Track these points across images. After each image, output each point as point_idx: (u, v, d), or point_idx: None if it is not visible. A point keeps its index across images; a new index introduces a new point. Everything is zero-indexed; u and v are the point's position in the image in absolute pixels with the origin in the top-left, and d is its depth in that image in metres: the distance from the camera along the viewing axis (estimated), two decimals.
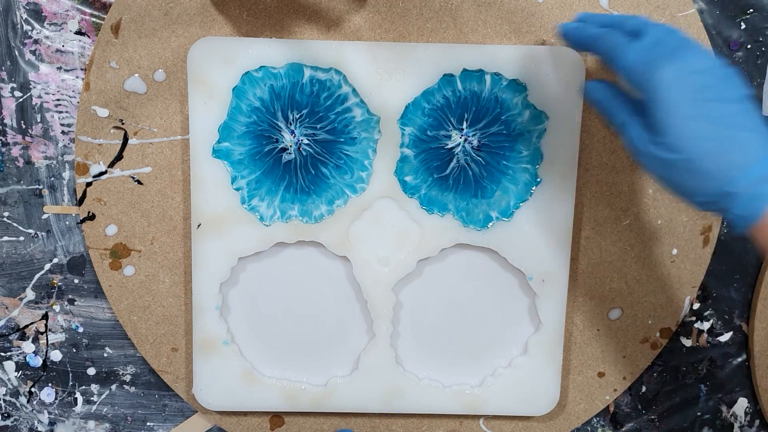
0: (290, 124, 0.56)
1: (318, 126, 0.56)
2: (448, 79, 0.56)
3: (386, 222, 0.58)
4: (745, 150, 0.41)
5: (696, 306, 0.62)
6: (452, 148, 0.57)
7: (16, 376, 0.63)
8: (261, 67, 0.55)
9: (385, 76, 0.55)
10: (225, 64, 0.55)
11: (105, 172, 0.59)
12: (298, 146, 0.56)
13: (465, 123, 0.56)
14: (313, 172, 0.57)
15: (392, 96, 0.56)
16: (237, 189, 0.57)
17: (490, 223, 0.57)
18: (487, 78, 0.55)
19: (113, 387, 0.63)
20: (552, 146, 0.56)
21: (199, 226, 0.57)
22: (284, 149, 0.56)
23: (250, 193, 0.57)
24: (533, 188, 0.57)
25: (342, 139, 0.56)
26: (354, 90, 0.56)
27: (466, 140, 0.56)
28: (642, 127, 0.44)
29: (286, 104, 0.56)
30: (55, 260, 0.61)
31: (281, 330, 0.60)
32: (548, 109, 0.56)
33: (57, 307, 0.62)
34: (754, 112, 0.42)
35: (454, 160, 0.57)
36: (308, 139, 0.56)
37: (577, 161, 0.57)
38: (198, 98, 0.55)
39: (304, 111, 0.56)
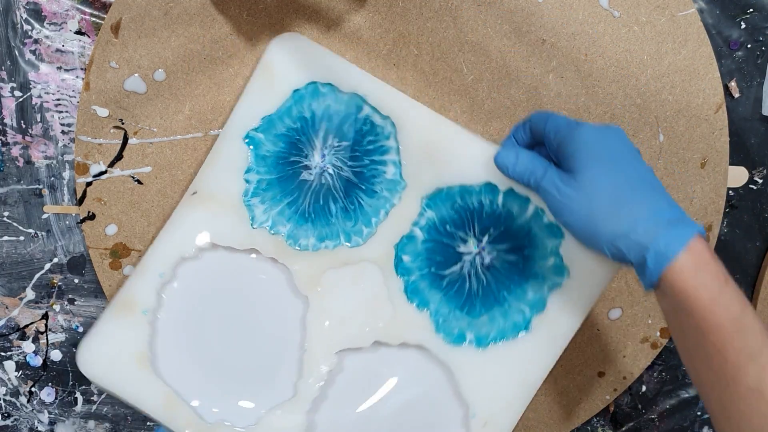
0: (325, 148, 0.55)
1: (348, 163, 0.55)
2: (491, 187, 0.54)
3: (363, 287, 0.55)
4: (648, 200, 0.45)
5: None
6: (462, 253, 0.55)
7: (16, 376, 0.63)
8: (328, 84, 0.55)
9: (433, 153, 0.54)
10: (299, 66, 0.54)
11: (105, 172, 0.59)
12: (320, 171, 0.55)
13: (487, 236, 0.54)
14: (321, 202, 0.56)
15: (430, 173, 0.54)
16: (246, 181, 0.56)
17: (462, 344, 0.55)
18: (530, 208, 0.53)
19: None
20: (559, 304, 0.53)
21: (194, 193, 0.56)
22: (307, 167, 0.56)
23: (256, 190, 0.56)
24: (521, 333, 0.54)
25: (363, 187, 0.55)
26: (398, 148, 0.54)
27: (479, 253, 0.55)
28: (558, 174, 0.47)
29: (331, 129, 0.55)
30: (55, 260, 0.61)
31: (210, 337, 0.56)
32: (574, 267, 0.53)
33: (57, 307, 0.62)
34: (657, 181, 0.46)
35: (458, 266, 0.55)
36: (333, 170, 0.55)
37: (576, 331, 0.54)
38: (259, 83, 0.55)
39: (344, 143, 0.55)
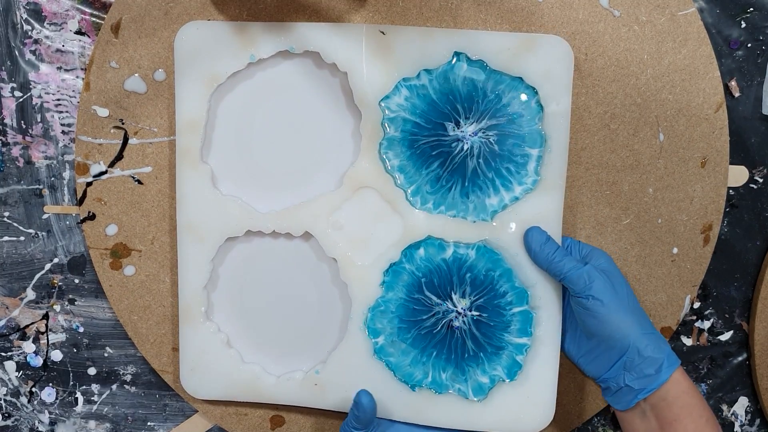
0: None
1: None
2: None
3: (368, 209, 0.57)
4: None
5: (696, 305, 0.62)
6: (444, 314, 0.57)
7: (16, 376, 0.63)
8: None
9: None
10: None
11: (105, 172, 0.59)
12: (460, 318, 0.57)
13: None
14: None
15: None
16: None
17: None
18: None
19: (114, 387, 0.63)
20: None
21: None
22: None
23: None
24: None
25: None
26: None
27: (464, 314, 0.57)
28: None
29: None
30: (56, 260, 0.61)
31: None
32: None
33: (57, 307, 0.62)
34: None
35: (441, 324, 0.57)
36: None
37: None
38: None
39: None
